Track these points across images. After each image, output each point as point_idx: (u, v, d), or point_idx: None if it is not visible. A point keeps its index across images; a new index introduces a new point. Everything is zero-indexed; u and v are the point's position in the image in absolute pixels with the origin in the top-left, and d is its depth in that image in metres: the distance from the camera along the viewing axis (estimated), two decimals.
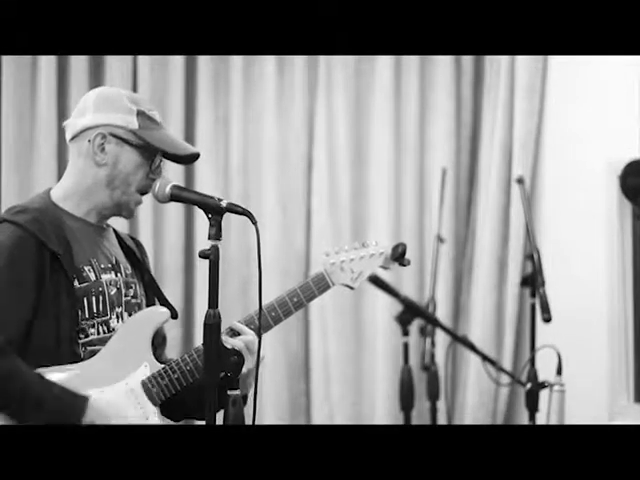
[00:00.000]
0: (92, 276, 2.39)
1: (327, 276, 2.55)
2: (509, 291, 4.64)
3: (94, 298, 2.38)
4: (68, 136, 2.46)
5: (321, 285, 2.53)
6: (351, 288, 2.60)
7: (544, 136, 4.70)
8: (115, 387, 2.37)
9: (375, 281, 3.28)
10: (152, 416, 2.40)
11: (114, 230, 2.56)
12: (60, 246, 2.34)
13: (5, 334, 2.27)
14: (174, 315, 2.51)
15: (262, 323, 2.43)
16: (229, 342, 2.38)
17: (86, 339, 2.36)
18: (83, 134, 2.42)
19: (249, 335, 2.43)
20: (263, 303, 2.36)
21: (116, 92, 2.46)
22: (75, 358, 2.34)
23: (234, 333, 2.46)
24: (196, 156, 2.48)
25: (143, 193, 2.42)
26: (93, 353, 2.37)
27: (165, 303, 2.54)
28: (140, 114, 2.42)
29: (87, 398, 2.28)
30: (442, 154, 4.81)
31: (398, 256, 2.59)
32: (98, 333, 2.39)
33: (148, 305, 2.55)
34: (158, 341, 2.54)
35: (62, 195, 2.43)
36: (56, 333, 2.30)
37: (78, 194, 2.43)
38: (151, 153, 2.42)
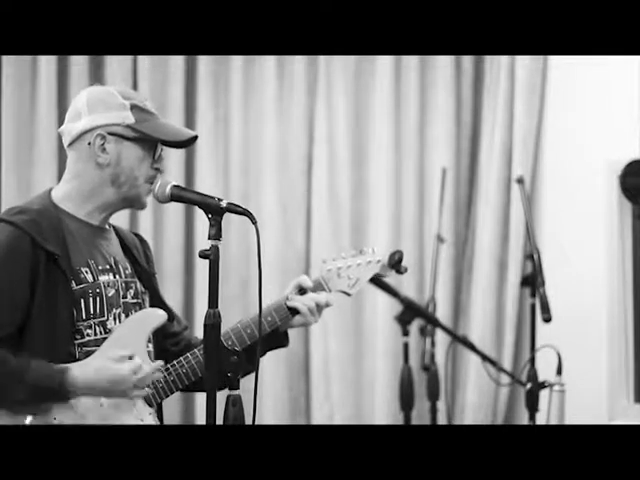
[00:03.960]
0: (89, 277, 2.38)
1: (324, 282, 2.57)
2: (509, 291, 4.64)
3: (91, 299, 2.37)
4: (66, 142, 2.46)
5: (318, 291, 2.55)
6: (348, 295, 2.62)
7: (544, 136, 4.70)
8: None
9: (375, 281, 3.28)
10: (147, 417, 2.40)
11: (115, 229, 2.55)
12: (57, 247, 2.33)
13: None
14: (170, 317, 2.51)
15: (260, 328, 2.45)
16: (296, 300, 2.50)
17: (82, 340, 2.36)
18: (81, 138, 2.41)
19: (321, 295, 2.53)
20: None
21: (106, 90, 2.46)
22: (70, 358, 2.33)
23: (301, 291, 2.53)
24: (195, 138, 2.49)
25: (151, 183, 2.41)
26: (89, 354, 2.36)
27: (160, 304, 2.54)
28: (134, 107, 2.42)
29: (68, 367, 2.28)
30: (442, 154, 4.81)
31: (395, 263, 2.61)
32: (95, 334, 2.38)
33: (151, 304, 2.54)
34: (170, 333, 2.57)
35: (63, 196, 2.43)
36: (52, 333, 2.30)
37: (81, 195, 2.42)
38: (152, 144, 2.42)
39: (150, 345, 2.47)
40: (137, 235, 2.64)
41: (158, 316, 2.47)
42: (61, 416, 2.29)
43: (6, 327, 2.28)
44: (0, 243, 2.31)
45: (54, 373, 2.26)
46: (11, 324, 2.29)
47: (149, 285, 2.56)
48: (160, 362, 2.40)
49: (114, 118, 2.40)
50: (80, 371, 2.28)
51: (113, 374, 2.29)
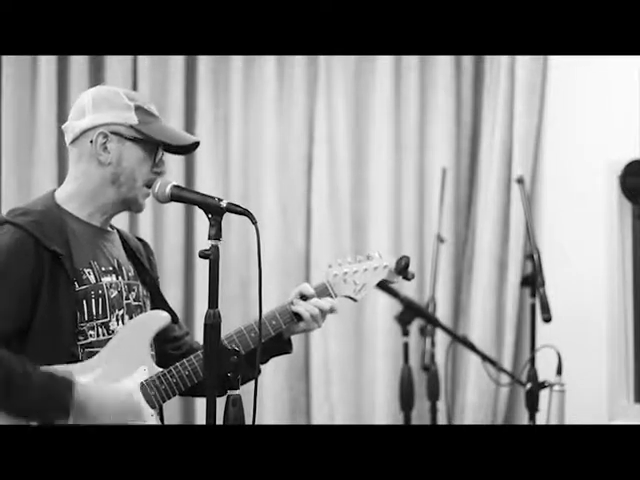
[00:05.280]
0: (92, 278, 2.38)
1: (330, 287, 2.56)
2: (509, 291, 4.64)
3: (94, 300, 2.38)
4: (68, 139, 2.46)
5: (323, 296, 2.54)
6: (354, 300, 2.60)
7: (544, 136, 4.70)
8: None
9: (380, 286, 3.28)
10: (149, 419, 2.40)
11: (119, 231, 2.56)
12: (61, 248, 2.33)
13: None
14: (174, 320, 2.51)
15: (262, 331, 2.44)
16: (300, 304, 2.49)
17: (85, 341, 2.36)
18: (84, 135, 2.41)
19: (325, 301, 2.52)
20: (264, 310, 2.36)
21: (112, 90, 2.46)
22: (73, 359, 2.33)
23: (303, 298, 2.52)
24: (196, 145, 2.49)
25: (149, 187, 2.41)
26: (92, 355, 2.36)
27: (164, 307, 2.54)
28: (138, 109, 2.42)
29: (73, 381, 2.26)
30: (442, 154, 4.81)
31: (401, 269, 2.60)
32: (97, 335, 2.38)
33: (152, 307, 2.55)
34: (171, 337, 2.57)
35: (66, 197, 2.43)
36: (55, 334, 2.30)
37: (83, 195, 2.43)
38: (153, 146, 2.42)
39: (152, 349, 2.47)
40: (141, 240, 2.65)
41: (162, 318, 2.47)
42: None
43: (11, 324, 2.28)
44: (4, 245, 2.31)
45: (61, 381, 2.26)
46: (15, 323, 2.28)
47: (152, 288, 2.56)
48: (158, 369, 2.42)
49: (117, 117, 2.40)
50: (83, 386, 2.28)
51: (116, 405, 2.32)
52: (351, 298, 2.60)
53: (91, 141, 2.40)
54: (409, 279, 2.62)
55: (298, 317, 2.52)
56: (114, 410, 2.31)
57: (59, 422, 2.25)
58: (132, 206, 2.46)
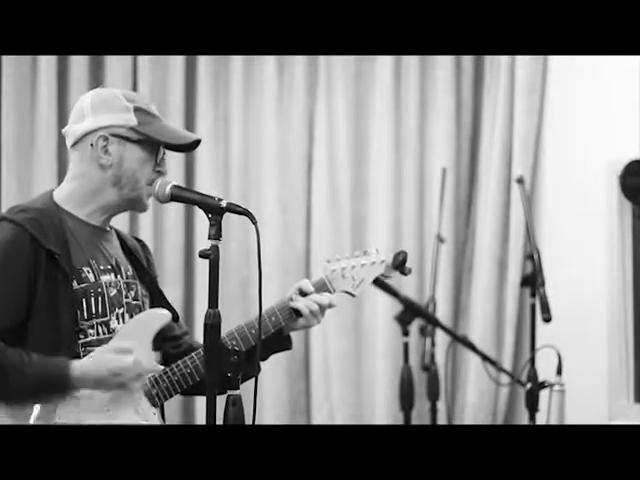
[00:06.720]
0: (91, 277, 2.39)
1: (328, 283, 2.57)
2: (509, 291, 4.65)
3: (93, 299, 2.38)
4: (69, 142, 2.46)
5: (322, 291, 2.54)
6: (352, 295, 2.61)
7: (544, 136, 4.70)
8: None
9: (375, 281, 3.28)
10: (151, 417, 2.40)
11: (117, 231, 2.56)
12: (58, 246, 2.34)
13: None
14: (175, 318, 2.51)
15: (262, 328, 2.44)
16: (299, 300, 2.49)
17: (85, 339, 2.36)
18: (84, 139, 2.42)
19: (324, 297, 2.52)
20: (263, 307, 2.36)
21: (111, 92, 2.47)
22: (74, 358, 2.33)
23: (303, 294, 2.52)
24: (198, 142, 2.49)
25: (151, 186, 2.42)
26: None
27: (165, 305, 2.54)
28: (137, 110, 2.43)
29: (69, 361, 2.29)
30: (442, 154, 4.81)
31: (399, 264, 2.60)
32: (97, 334, 2.38)
33: (152, 306, 2.54)
34: (171, 336, 2.57)
35: (65, 196, 2.44)
36: (54, 333, 2.31)
37: (83, 196, 2.43)
38: (154, 146, 2.42)
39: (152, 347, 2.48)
40: (138, 240, 2.65)
41: (163, 316, 2.47)
42: (65, 417, 2.30)
43: (9, 319, 2.29)
44: (1, 240, 2.32)
45: (56, 362, 2.27)
46: (12, 318, 2.29)
47: (152, 287, 2.56)
48: (160, 367, 2.42)
49: (117, 120, 2.41)
50: (80, 362, 2.29)
51: (113, 365, 2.29)
52: (349, 293, 2.61)
53: (92, 144, 2.41)
54: (406, 274, 2.63)
55: (297, 313, 2.52)
56: (109, 371, 2.30)
57: (59, 400, 2.28)
58: (136, 206, 2.47)
